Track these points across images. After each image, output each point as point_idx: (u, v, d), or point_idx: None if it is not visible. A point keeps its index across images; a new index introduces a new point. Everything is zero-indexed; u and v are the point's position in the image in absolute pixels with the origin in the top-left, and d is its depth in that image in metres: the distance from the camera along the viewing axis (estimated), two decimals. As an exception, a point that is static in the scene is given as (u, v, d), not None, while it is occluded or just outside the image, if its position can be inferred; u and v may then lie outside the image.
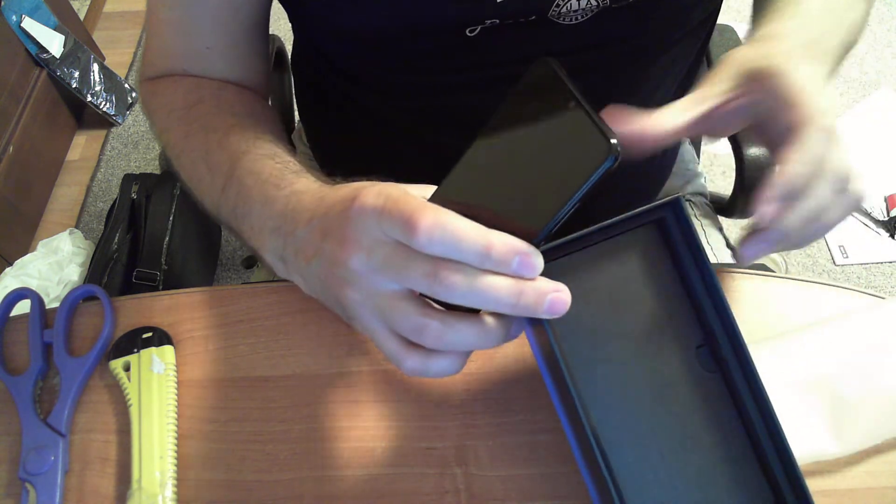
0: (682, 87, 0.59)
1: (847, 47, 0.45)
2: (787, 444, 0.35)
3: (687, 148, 0.78)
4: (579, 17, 0.47)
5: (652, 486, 0.36)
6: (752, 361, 0.35)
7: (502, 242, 0.30)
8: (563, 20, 0.46)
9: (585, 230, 0.35)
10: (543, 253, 0.32)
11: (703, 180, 0.76)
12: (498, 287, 0.30)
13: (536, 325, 0.35)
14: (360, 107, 0.58)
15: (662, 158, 0.66)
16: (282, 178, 0.42)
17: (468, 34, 0.47)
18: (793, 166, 0.35)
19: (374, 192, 0.32)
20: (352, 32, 0.49)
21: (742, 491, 0.36)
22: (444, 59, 0.49)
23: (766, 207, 0.35)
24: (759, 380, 0.35)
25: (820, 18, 0.43)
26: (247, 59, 0.55)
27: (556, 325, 0.35)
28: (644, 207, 0.35)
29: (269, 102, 0.81)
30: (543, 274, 0.31)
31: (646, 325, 0.37)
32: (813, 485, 0.41)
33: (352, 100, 0.59)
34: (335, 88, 0.60)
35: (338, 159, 0.69)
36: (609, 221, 0.35)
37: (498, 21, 0.46)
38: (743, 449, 0.36)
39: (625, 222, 0.36)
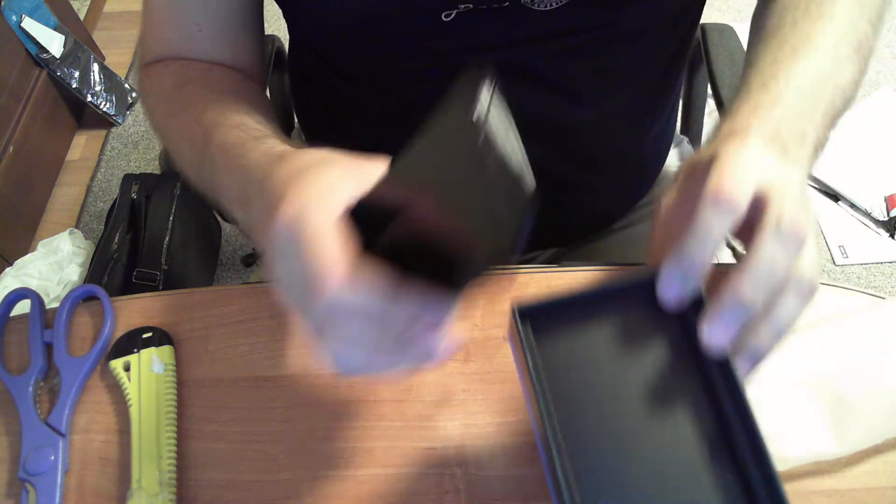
0: (668, 74, 0.59)
1: (835, 115, 0.43)
2: None
3: (686, 147, 0.78)
4: (553, 4, 0.47)
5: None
6: (771, 461, 0.31)
7: (405, 318, 0.31)
8: (537, 6, 0.47)
9: (598, 288, 0.35)
10: (546, 305, 0.33)
11: None
12: (381, 356, 0.32)
13: (530, 394, 0.34)
14: (351, 100, 0.59)
15: (654, 142, 0.66)
16: (242, 147, 0.42)
17: (444, 19, 0.47)
18: (685, 239, 0.33)
19: (293, 215, 0.32)
20: (333, 18, 0.50)
21: None
22: (424, 44, 0.50)
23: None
24: (778, 480, 0.32)
25: (795, 97, 0.40)
26: (238, 42, 0.56)
27: (551, 389, 0.34)
28: (650, 271, 0.34)
29: (268, 91, 0.82)
30: (552, 336, 0.34)
31: (649, 398, 0.34)
32: (813, 485, 0.41)
33: (342, 94, 0.59)
34: (326, 83, 0.61)
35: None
36: (615, 283, 0.35)
37: (471, 6, 0.47)
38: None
39: (629, 287, 0.35)
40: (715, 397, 0.33)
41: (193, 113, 0.48)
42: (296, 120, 0.84)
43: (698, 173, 0.36)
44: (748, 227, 0.33)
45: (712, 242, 0.32)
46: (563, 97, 0.53)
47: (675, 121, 0.70)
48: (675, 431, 0.33)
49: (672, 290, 0.33)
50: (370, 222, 0.33)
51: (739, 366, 0.33)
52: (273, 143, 0.42)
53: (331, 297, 0.30)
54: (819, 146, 0.41)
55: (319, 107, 0.65)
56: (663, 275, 0.33)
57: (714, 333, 0.32)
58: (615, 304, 0.36)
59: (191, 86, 0.52)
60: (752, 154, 0.35)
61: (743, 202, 0.32)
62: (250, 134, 0.43)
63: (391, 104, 0.56)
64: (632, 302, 0.35)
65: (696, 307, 0.34)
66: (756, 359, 0.34)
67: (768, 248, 0.32)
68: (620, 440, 0.33)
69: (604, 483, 0.33)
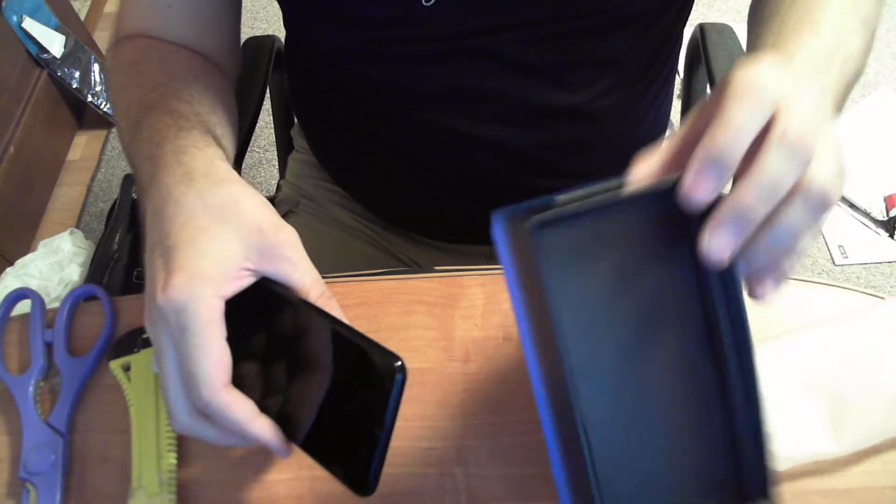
0: (655, 61, 0.58)
1: (846, 82, 0.41)
2: (768, 451, 0.32)
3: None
4: None
5: (618, 436, 0.34)
6: (754, 362, 0.32)
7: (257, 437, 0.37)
8: None
9: (608, 185, 0.33)
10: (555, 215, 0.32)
11: None
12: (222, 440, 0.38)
13: (528, 286, 0.32)
14: (341, 89, 0.59)
15: (646, 130, 0.65)
16: (162, 136, 0.42)
17: (425, 3, 0.47)
18: (708, 139, 0.30)
19: (183, 302, 0.35)
20: (315, 2, 0.50)
21: (705, 465, 0.34)
22: (406, 29, 0.50)
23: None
24: (757, 381, 0.32)
25: (804, 60, 0.39)
26: (207, 26, 0.56)
27: (553, 285, 0.32)
28: (668, 179, 0.32)
29: (269, 90, 0.82)
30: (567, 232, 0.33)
31: (650, 305, 0.34)
32: (811, 484, 0.41)
33: (333, 84, 0.59)
34: (319, 74, 0.61)
35: (331, 148, 0.69)
36: (632, 190, 0.33)
37: None
38: (720, 442, 0.34)
39: (645, 196, 0.32)
40: (712, 310, 0.33)
41: (139, 92, 0.48)
42: (295, 118, 0.84)
43: (717, 93, 0.33)
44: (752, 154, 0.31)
45: (745, 136, 0.30)
46: (548, 83, 0.53)
47: (669, 110, 0.69)
48: (668, 344, 0.34)
49: (701, 186, 0.30)
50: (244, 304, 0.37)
51: (751, 281, 0.32)
52: (193, 142, 0.42)
53: (208, 400, 0.35)
54: (837, 107, 0.39)
55: (314, 99, 0.66)
56: (692, 170, 0.30)
57: (714, 243, 0.30)
58: (621, 213, 0.33)
59: (147, 64, 0.51)
60: (771, 63, 0.32)
61: (771, 99, 0.30)
62: (178, 123, 0.43)
63: (377, 92, 0.56)
64: (637, 214, 0.33)
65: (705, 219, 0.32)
66: (763, 271, 0.32)
67: (772, 159, 0.30)
68: (615, 349, 0.33)
69: (594, 390, 0.33)
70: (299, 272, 0.38)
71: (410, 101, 0.55)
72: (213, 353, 0.35)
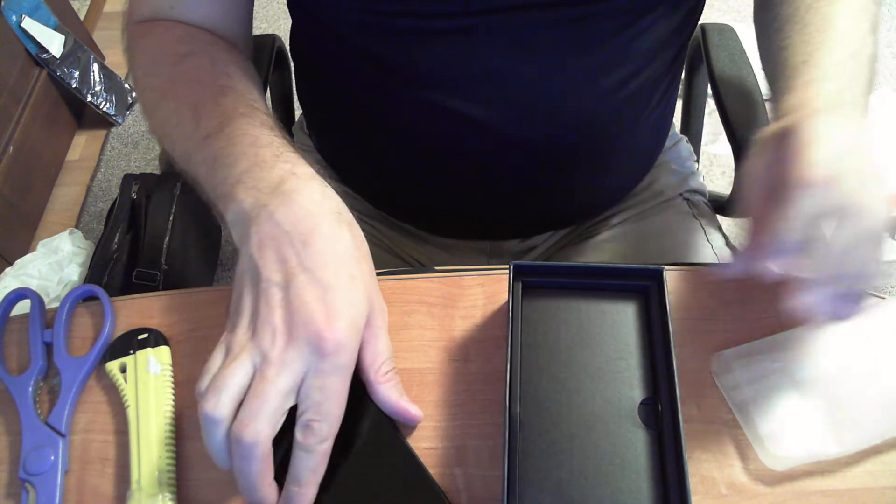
0: (667, 51, 0.58)
1: (869, 88, 0.46)
2: None
3: (685, 145, 0.78)
4: None
5: (548, 463, 0.39)
6: (681, 433, 0.38)
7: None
8: None
9: (588, 264, 0.44)
10: (537, 268, 0.44)
11: (700, 178, 0.76)
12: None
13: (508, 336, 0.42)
14: (350, 71, 0.58)
15: (651, 126, 0.65)
16: (280, 152, 0.44)
17: None
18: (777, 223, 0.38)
19: (342, 343, 0.37)
20: None
21: None
22: (418, 2, 0.50)
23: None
24: (683, 448, 0.37)
25: (837, 70, 0.43)
26: (230, 3, 0.56)
27: (526, 329, 0.43)
28: (636, 267, 0.43)
29: (269, 89, 0.81)
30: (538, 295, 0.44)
31: (602, 366, 0.41)
32: (813, 485, 0.41)
33: (342, 65, 0.59)
34: (325, 56, 0.60)
35: (335, 138, 0.69)
36: (607, 265, 0.43)
37: None
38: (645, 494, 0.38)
39: (619, 272, 0.43)
40: (654, 373, 0.41)
41: (208, 91, 0.49)
42: (296, 114, 0.84)
43: (782, 147, 0.40)
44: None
45: (806, 222, 0.37)
46: (557, 70, 0.52)
47: (673, 109, 0.69)
48: (613, 391, 0.41)
49: (773, 254, 0.39)
50: None
51: (750, 255, 0.40)
52: (309, 174, 0.44)
53: (323, 439, 0.37)
54: (866, 113, 0.44)
55: (320, 86, 0.65)
56: (752, 247, 0.40)
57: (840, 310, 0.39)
58: (597, 282, 0.44)
59: (197, 58, 0.52)
60: (827, 129, 0.39)
61: (825, 184, 0.37)
62: (286, 147, 0.45)
63: (386, 74, 0.55)
64: (609, 284, 0.43)
65: (661, 304, 0.42)
66: (772, 253, 0.39)
67: (798, 201, 0.37)
68: (562, 386, 0.41)
69: (541, 413, 0.40)
70: (381, 343, 0.42)
71: (421, 83, 0.55)
72: (344, 402, 0.38)
